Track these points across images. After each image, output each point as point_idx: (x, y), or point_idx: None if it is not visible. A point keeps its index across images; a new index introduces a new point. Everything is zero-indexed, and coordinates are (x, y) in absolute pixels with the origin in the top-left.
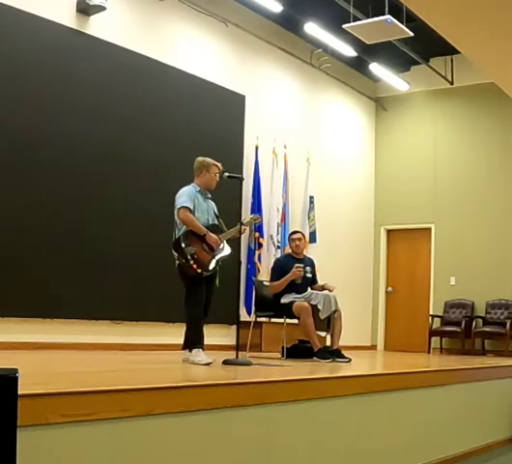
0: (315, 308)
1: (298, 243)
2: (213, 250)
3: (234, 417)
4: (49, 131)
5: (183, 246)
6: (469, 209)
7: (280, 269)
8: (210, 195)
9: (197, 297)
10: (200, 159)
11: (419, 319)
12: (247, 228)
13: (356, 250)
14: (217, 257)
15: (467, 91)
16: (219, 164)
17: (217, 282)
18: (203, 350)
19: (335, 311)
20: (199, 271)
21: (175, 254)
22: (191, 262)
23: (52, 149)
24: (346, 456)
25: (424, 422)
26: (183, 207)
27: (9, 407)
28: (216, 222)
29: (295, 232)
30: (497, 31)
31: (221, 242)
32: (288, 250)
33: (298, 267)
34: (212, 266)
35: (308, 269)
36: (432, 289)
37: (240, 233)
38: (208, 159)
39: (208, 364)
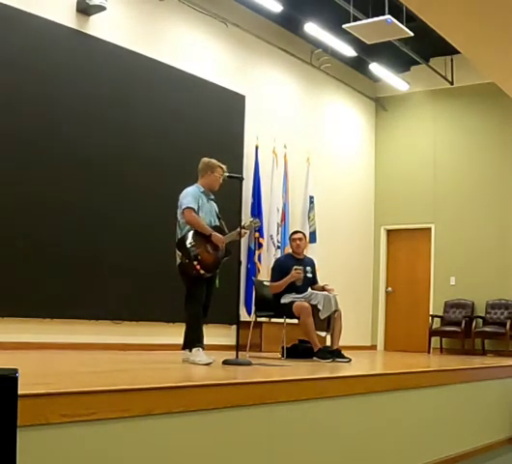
0: (315, 308)
1: (298, 242)
2: (217, 250)
3: (234, 417)
4: (49, 131)
5: (187, 246)
6: (470, 209)
7: (280, 269)
8: (212, 196)
9: (197, 297)
10: (205, 159)
11: (419, 319)
12: (247, 231)
13: (356, 250)
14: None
15: (467, 91)
16: (224, 167)
17: (217, 283)
18: (203, 350)
19: (335, 311)
20: (202, 272)
21: (178, 253)
22: (195, 263)
23: (52, 148)
24: (346, 456)
25: (424, 422)
26: (188, 208)
27: (9, 407)
28: (218, 223)
29: (296, 232)
30: (497, 31)
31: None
32: (288, 250)
33: (297, 269)
34: (215, 267)
35: (308, 269)
36: (432, 289)
37: (239, 236)
38: (213, 161)
39: (208, 364)
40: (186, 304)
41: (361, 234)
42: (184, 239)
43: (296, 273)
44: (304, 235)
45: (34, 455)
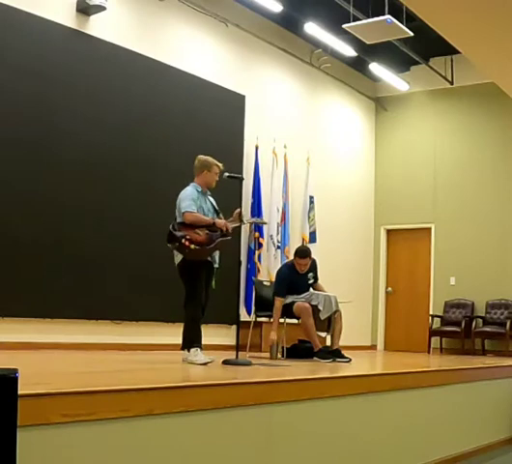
0: (315, 309)
1: (303, 268)
2: (209, 232)
3: (234, 417)
4: (48, 131)
5: (172, 233)
6: (469, 209)
7: (284, 283)
8: (209, 192)
9: (196, 297)
10: (202, 157)
11: (419, 319)
12: (247, 221)
13: (356, 250)
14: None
15: (467, 91)
16: (221, 164)
17: (213, 284)
18: (201, 349)
19: (336, 312)
20: (192, 246)
21: (170, 246)
22: (183, 240)
23: (52, 149)
24: (346, 456)
25: (424, 422)
26: (187, 212)
27: (9, 407)
28: (217, 217)
29: (304, 256)
30: (497, 31)
31: (230, 228)
32: (289, 251)
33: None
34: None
35: (310, 275)
36: (432, 289)
37: (240, 221)
38: (210, 159)
39: (205, 364)
40: (186, 305)
41: (361, 234)
42: (170, 231)
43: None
44: (310, 255)
45: (34, 455)
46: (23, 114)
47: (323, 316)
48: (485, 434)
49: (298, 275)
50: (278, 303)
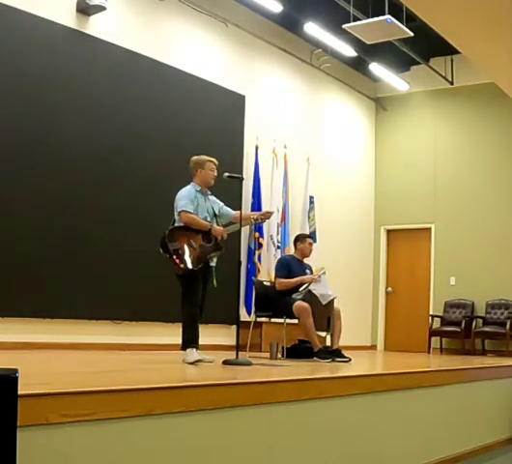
0: (313, 298)
1: (311, 248)
2: (205, 245)
3: (234, 417)
4: (49, 131)
5: (166, 243)
6: (469, 209)
7: (288, 267)
8: (209, 192)
9: (192, 297)
10: (194, 157)
11: (419, 319)
12: (248, 226)
13: (356, 250)
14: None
15: (467, 91)
16: (214, 159)
17: (215, 283)
18: (197, 349)
19: (334, 310)
20: (182, 266)
21: (162, 253)
22: (174, 257)
23: (52, 149)
24: (346, 456)
25: (424, 422)
26: (183, 211)
27: (9, 407)
28: (215, 221)
29: (309, 236)
30: (497, 31)
31: (225, 236)
32: (289, 251)
33: (314, 278)
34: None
35: (308, 272)
36: (432, 289)
37: (240, 226)
38: (202, 157)
39: (193, 363)
40: (183, 305)
41: (361, 234)
42: (164, 238)
43: (312, 278)
44: None
45: (34, 455)
46: (23, 115)
47: (324, 301)
48: (485, 434)
49: (297, 262)
50: (281, 281)
